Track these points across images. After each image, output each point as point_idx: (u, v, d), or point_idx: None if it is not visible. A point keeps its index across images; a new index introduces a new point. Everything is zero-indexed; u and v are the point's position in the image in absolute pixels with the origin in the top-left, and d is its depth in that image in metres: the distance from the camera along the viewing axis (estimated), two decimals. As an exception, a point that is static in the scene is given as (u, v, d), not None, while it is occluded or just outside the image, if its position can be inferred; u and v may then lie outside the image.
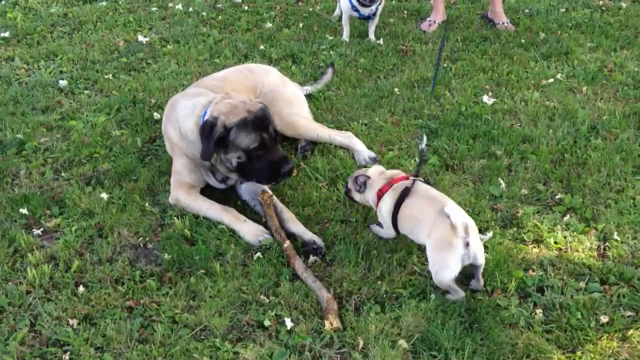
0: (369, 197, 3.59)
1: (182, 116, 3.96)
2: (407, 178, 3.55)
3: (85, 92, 5.52)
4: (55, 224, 3.83)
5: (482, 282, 3.29)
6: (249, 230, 3.70)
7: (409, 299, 3.25)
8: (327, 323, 3.04)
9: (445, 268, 3.12)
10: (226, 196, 4.01)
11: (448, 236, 3.09)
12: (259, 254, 3.57)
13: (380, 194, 3.51)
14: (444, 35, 6.19)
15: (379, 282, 3.37)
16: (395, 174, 3.61)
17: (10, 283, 3.35)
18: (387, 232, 3.56)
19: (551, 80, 5.59)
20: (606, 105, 5.15)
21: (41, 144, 4.64)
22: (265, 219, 3.75)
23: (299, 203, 4.01)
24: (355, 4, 6.28)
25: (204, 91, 4.19)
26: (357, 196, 3.65)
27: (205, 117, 3.77)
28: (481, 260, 3.20)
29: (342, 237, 3.68)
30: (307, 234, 3.68)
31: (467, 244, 3.09)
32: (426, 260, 3.43)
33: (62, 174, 4.32)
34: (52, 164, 4.43)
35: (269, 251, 3.59)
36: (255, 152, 3.70)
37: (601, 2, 7.55)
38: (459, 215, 3.12)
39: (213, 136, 3.66)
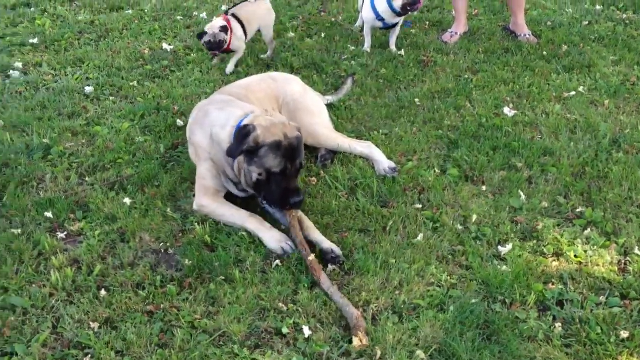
0: None
1: (217, 125, 4.01)
2: None
3: (111, 98, 5.60)
4: (79, 228, 3.89)
5: None
6: (273, 237, 3.73)
7: (427, 309, 3.25)
8: (356, 340, 3.02)
9: None
10: (246, 204, 4.03)
11: None
12: (277, 261, 3.59)
13: None
14: None
15: (397, 292, 3.38)
16: None
17: (34, 285, 3.40)
18: None
19: (573, 93, 5.57)
20: (628, 118, 5.13)
21: (67, 149, 4.72)
22: (289, 229, 3.76)
23: (318, 212, 4.04)
24: (383, 13, 6.28)
25: (233, 99, 4.27)
26: None
27: (245, 123, 3.83)
28: None
29: (360, 247, 3.70)
30: (325, 243, 3.70)
31: None
32: (444, 272, 3.46)
33: (87, 179, 4.38)
34: (77, 168, 4.50)
35: (287, 259, 3.62)
36: (274, 176, 3.73)
37: (625, 16, 7.53)
38: None
39: (244, 144, 3.71)
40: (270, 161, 3.71)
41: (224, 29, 5.94)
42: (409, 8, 6.24)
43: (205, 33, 5.93)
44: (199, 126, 4.18)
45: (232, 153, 3.78)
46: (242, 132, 3.76)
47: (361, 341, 3.01)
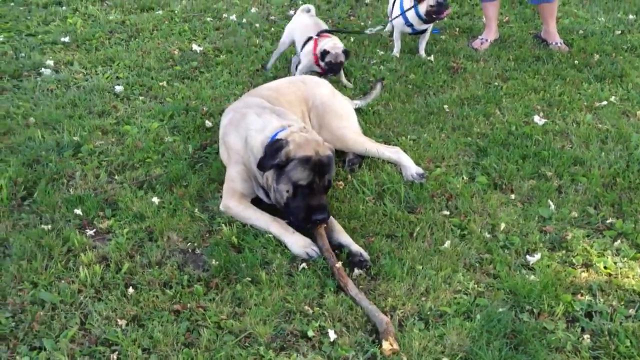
0: None
1: (253, 130, 4.04)
2: None
3: (140, 98, 5.65)
4: (107, 225, 3.92)
5: None
6: (296, 242, 3.72)
7: (454, 317, 3.23)
8: (386, 344, 3.00)
9: None
10: (273, 208, 4.03)
11: None
12: (304, 264, 3.59)
13: None
14: None
15: (423, 299, 3.37)
16: None
17: (62, 281, 3.43)
18: None
19: (604, 102, 5.51)
20: (661, 130, 5.06)
21: (96, 147, 4.76)
22: (314, 235, 3.75)
23: (345, 216, 4.03)
24: (411, 19, 6.29)
25: (272, 106, 4.30)
26: None
27: (279, 137, 3.84)
28: None
29: (387, 252, 3.68)
30: (354, 246, 3.70)
31: None
32: (471, 279, 3.45)
33: (116, 177, 4.42)
34: (107, 167, 4.54)
35: (314, 262, 3.62)
36: (300, 189, 3.72)
37: (658, 25, 7.43)
38: None
39: (274, 159, 3.73)
40: (297, 174, 3.71)
41: (346, 53, 5.74)
42: (434, 16, 6.23)
43: (327, 52, 5.67)
44: (234, 128, 4.20)
45: (263, 166, 3.80)
46: (275, 146, 3.77)
47: (392, 345, 2.99)
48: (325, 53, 5.65)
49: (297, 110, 4.57)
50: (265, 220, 3.87)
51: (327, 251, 3.62)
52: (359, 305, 3.28)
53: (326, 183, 3.82)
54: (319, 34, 5.89)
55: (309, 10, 6.18)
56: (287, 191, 3.76)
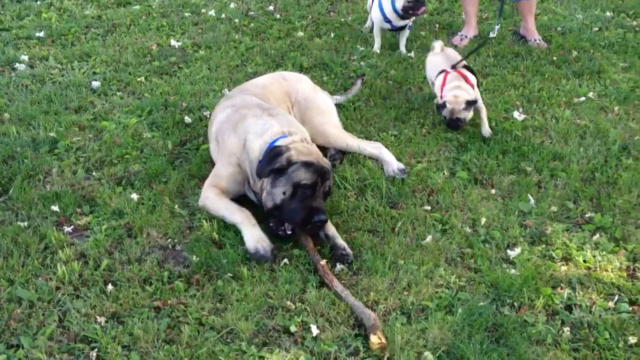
0: None
1: (252, 133, 3.98)
2: None
3: (118, 93, 5.59)
4: (85, 222, 3.87)
5: None
6: (253, 235, 3.64)
7: (436, 311, 3.24)
8: (374, 338, 2.99)
9: None
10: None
11: None
12: (285, 260, 3.57)
13: None
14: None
15: (405, 293, 3.37)
16: None
17: (40, 279, 3.37)
18: None
19: (583, 98, 5.56)
20: (638, 125, 5.13)
21: (73, 143, 4.70)
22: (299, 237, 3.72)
23: (327, 211, 4.00)
24: (389, 16, 6.29)
25: (264, 104, 4.27)
26: None
27: (278, 144, 3.80)
28: None
29: (369, 247, 3.68)
30: (338, 239, 3.69)
31: None
32: (452, 274, 3.46)
33: (94, 174, 4.36)
34: (84, 163, 4.48)
35: (296, 258, 3.60)
36: (301, 190, 3.65)
37: (635, 22, 7.52)
38: None
39: (274, 163, 3.67)
40: (301, 174, 3.66)
41: (470, 104, 4.87)
42: (410, 12, 6.24)
43: (444, 106, 4.89)
44: (231, 127, 4.12)
45: (261, 172, 3.74)
46: (273, 152, 3.72)
47: (380, 339, 2.98)
48: (442, 107, 4.92)
49: (284, 107, 4.55)
50: (232, 209, 3.82)
51: (312, 249, 3.60)
52: (345, 302, 3.27)
53: (327, 188, 3.79)
54: (453, 67, 5.18)
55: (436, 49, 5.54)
56: (284, 192, 3.68)
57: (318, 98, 4.81)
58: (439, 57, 5.41)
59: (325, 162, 3.84)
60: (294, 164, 3.68)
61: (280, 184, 3.69)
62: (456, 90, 4.90)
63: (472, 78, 5.12)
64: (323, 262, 3.50)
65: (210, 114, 5.06)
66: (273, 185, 3.71)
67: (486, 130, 4.91)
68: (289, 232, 3.70)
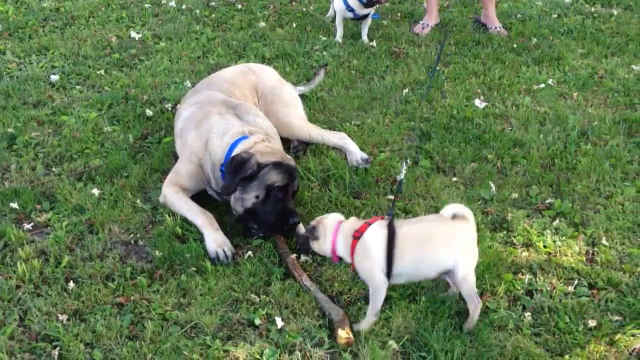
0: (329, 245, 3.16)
1: (214, 133, 3.93)
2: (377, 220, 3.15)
3: (77, 87, 5.50)
4: (45, 219, 3.82)
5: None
6: (215, 239, 3.62)
7: (399, 300, 3.25)
8: (343, 332, 3.00)
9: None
10: (222, 208, 3.99)
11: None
12: (249, 252, 3.57)
13: (357, 236, 3.09)
14: (444, 39, 6.15)
15: (369, 283, 3.38)
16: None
17: (-1, 277, 3.33)
18: (380, 286, 3.06)
19: (542, 85, 5.63)
20: (596, 111, 5.20)
21: (32, 139, 4.62)
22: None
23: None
24: (352, 4, 6.28)
25: (229, 100, 4.23)
26: (314, 245, 3.22)
27: (237, 152, 3.73)
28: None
29: (333, 238, 3.68)
30: (301, 229, 3.71)
31: None
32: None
33: (53, 169, 4.30)
34: (43, 158, 4.41)
35: (260, 250, 3.60)
36: (274, 192, 3.63)
37: (593, 9, 7.62)
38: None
39: (244, 172, 3.61)
40: (273, 176, 3.63)
41: None
42: (374, 0, 6.24)
43: None
44: (194, 126, 4.05)
45: (228, 191, 3.68)
46: (237, 162, 3.65)
47: (348, 334, 2.99)
48: None
49: (250, 102, 4.52)
50: (194, 211, 3.80)
51: (282, 243, 3.60)
52: (314, 297, 3.27)
53: (295, 187, 3.78)
54: None
55: None
56: (257, 197, 3.65)
57: (284, 90, 4.80)
58: None
59: (290, 159, 3.83)
60: (265, 167, 3.65)
61: (252, 188, 3.65)
62: None
63: None
64: (292, 256, 3.51)
65: (174, 107, 5.03)
66: (243, 191, 3.67)
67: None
68: (261, 234, 3.70)
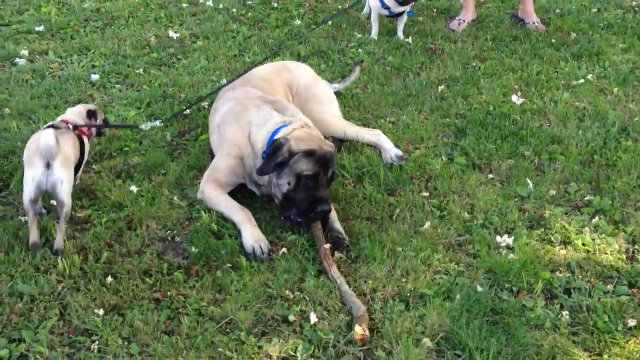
0: None
1: (254, 124, 3.98)
2: None
3: (117, 86, 5.60)
4: (85, 215, 3.89)
5: None
6: (252, 235, 3.65)
7: (434, 297, 3.24)
8: (359, 329, 2.99)
9: (24, 185, 3.48)
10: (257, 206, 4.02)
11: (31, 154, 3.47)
12: (284, 249, 3.59)
13: None
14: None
15: (403, 280, 3.38)
16: None
17: (41, 273, 3.40)
18: None
19: (581, 80, 5.54)
20: (637, 106, 5.10)
21: (73, 137, 4.71)
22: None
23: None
24: (387, 2, 6.27)
25: (266, 96, 4.28)
26: None
27: (276, 137, 3.79)
28: (62, 197, 3.50)
29: (367, 234, 3.69)
30: (337, 223, 3.74)
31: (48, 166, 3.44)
32: (450, 260, 3.47)
33: (93, 166, 4.38)
34: (84, 156, 4.49)
35: (294, 247, 3.62)
36: (304, 180, 3.67)
37: (634, 3, 7.47)
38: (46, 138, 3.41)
39: (277, 157, 3.67)
40: (302, 165, 3.67)
41: None
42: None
43: None
44: (234, 119, 4.09)
45: (263, 171, 3.75)
46: (274, 147, 3.73)
47: (364, 331, 2.99)
48: None
49: (285, 99, 4.56)
50: (232, 207, 3.83)
51: (318, 231, 3.62)
52: (339, 290, 3.28)
53: (330, 176, 3.80)
54: None
55: None
56: (289, 183, 3.70)
57: (319, 88, 4.83)
58: None
59: (328, 146, 3.83)
60: (295, 155, 3.68)
61: (284, 175, 3.70)
62: None
63: None
64: (326, 246, 3.52)
65: (210, 105, 5.08)
66: (278, 177, 3.73)
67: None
68: (299, 220, 3.73)
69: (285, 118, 3.98)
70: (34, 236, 3.53)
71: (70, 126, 3.91)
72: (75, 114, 4.12)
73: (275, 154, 3.69)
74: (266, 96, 4.32)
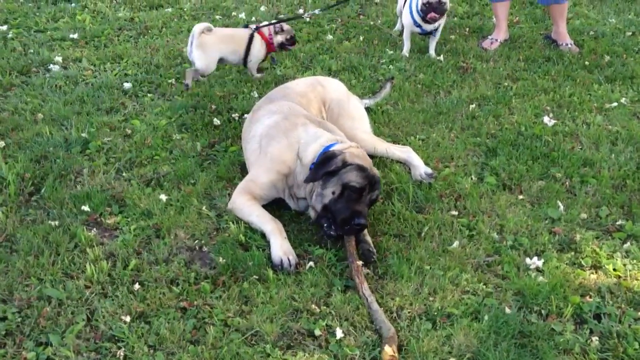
0: None
1: (304, 141, 3.98)
2: None
3: (149, 95, 5.65)
4: (115, 222, 3.92)
5: None
6: (281, 246, 3.64)
7: (461, 317, 3.21)
8: (389, 349, 2.95)
9: None
10: (286, 218, 4.01)
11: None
12: (311, 263, 3.58)
13: None
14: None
15: (431, 299, 3.35)
16: None
17: (69, 277, 3.43)
18: None
19: (615, 104, 5.48)
20: (672, 131, 5.03)
21: (104, 144, 4.76)
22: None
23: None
24: (418, 20, 6.29)
25: (307, 114, 4.31)
26: None
27: (333, 148, 3.82)
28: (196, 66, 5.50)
29: (395, 251, 3.67)
30: (367, 236, 3.74)
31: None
32: (478, 280, 3.43)
33: (124, 174, 4.42)
34: (114, 163, 4.53)
35: (322, 261, 3.61)
36: (349, 191, 3.65)
37: (670, 27, 7.39)
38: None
39: (329, 166, 3.68)
40: (352, 176, 3.66)
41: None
42: (424, 14, 6.21)
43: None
44: (282, 134, 4.07)
45: (314, 176, 3.73)
46: (326, 156, 3.75)
47: (394, 352, 2.96)
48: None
49: (319, 115, 4.60)
50: (264, 218, 3.83)
51: (352, 248, 3.60)
52: (369, 308, 3.25)
53: (374, 197, 3.78)
54: None
55: None
56: (333, 192, 3.69)
57: (350, 104, 4.84)
58: None
59: (376, 172, 3.84)
60: (348, 165, 3.69)
61: (331, 184, 3.70)
62: None
63: None
64: (359, 263, 3.50)
65: (241, 117, 5.11)
66: (324, 187, 3.73)
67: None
68: (332, 233, 3.71)
69: (337, 137, 4.01)
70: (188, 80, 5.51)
71: (253, 27, 5.87)
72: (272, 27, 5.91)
73: (327, 163, 3.70)
74: (312, 115, 4.35)
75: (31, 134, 4.85)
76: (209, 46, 5.47)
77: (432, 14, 6.22)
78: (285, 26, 5.91)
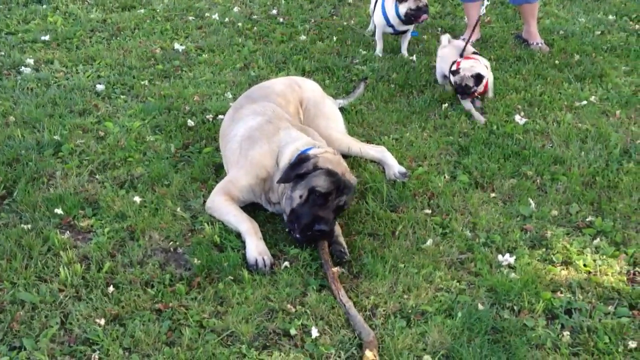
0: None
1: (284, 143, 3.99)
2: None
3: (122, 97, 5.62)
4: (88, 224, 3.89)
5: None
6: (257, 246, 3.64)
7: (435, 315, 3.25)
8: (370, 354, 2.96)
9: None
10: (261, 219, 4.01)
11: None
12: (286, 263, 3.59)
13: None
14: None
15: (405, 297, 3.38)
16: None
17: (42, 281, 3.40)
18: None
19: (584, 102, 5.57)
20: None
21: (77, 146, 4.72)
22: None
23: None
24: (392, 20, 6.33)
25: (288, 117, 4.32)
26: None
27: (309, 152, 3.83)
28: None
29: (369, 250, 3.70)
30: (340, 237, 3.75)
31: None
32: (452, 277, 3.47)
33: (97, 176, 4.39)
34: (88, 166, 4.50)
35: (297, 261, 3.62)
36: (314, 196, 3.65)
37: (637, 26, 7.52)
38: None
39: (300, 168, 3.69)
40: (318, 181, 3.66)
41: (477, 78, 5.33)
42: (412, 18, 6.29)
43: (457, 72, 5.40)
44: (264, 138, 4.05)
45: (285, 177, 3.74)
46: (300, 158, 3.77)
47: (375, 356, 2.97)
48: (455, 72, 5.40)
49: (297, 116, 4.62)
50: (240, 218, 3.83)
51: (325, 254, 3.60)
52: (347, 314, 3.25)
53: (341, 203, 3.76)
54: (461, 55, 5.63)
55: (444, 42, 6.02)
56: (300, 196, 3.69)
57: (326, 105, 4.88)
58: (448, 50, 5.83)
59: (350, 178, 3.84)
60: (317, 170, 3.70)
61: (299, 187, 3.70)
62: (473, 63, 5.42)
63: (485, 61, 5.63)
64: (335, 269, 3.50)
65: (215, 118, 5.11)
66: (293, 190, 3.73)
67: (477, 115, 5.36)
68: (298, 237, 3.71)
69: (315, 142, 4.02)
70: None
71: None
72: None
73: (299, 165, 3.72)
74: (294, 121, 4.37)
75: (3, 137, 4.80)
76: None
77: (425, 16, 6.35)
78: None
